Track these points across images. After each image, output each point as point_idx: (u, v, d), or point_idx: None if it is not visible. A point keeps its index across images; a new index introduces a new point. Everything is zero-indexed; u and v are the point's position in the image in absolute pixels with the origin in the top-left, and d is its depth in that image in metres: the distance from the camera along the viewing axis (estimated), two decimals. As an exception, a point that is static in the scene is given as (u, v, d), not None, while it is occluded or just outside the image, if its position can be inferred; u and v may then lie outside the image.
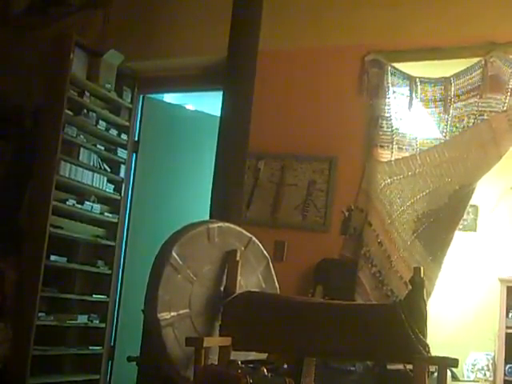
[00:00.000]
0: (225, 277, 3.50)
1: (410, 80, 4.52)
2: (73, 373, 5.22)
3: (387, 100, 4.55)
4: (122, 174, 5.57)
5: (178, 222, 3.60)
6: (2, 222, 5.30)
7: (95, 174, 5.33)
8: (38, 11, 5.91)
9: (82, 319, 5.20)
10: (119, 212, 5.55)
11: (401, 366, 3.35)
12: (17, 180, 5.41)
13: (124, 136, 5.58)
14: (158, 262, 3.30)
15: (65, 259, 5.09)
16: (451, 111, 4.39)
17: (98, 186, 5.35)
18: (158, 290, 3.20)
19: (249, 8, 4.41)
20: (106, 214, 5.45)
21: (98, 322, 5.33)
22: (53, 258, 4.93)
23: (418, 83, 4.50)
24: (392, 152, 4.50)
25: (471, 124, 4.31)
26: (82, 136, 5.21)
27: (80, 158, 5.18)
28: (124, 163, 5.59)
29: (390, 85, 4.56)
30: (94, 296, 5.33)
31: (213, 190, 4.23)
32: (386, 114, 4.55)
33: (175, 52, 5.45)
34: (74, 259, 5.22)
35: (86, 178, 5.24)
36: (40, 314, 4.80)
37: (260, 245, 3.72)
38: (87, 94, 5.22)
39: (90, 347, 5.27)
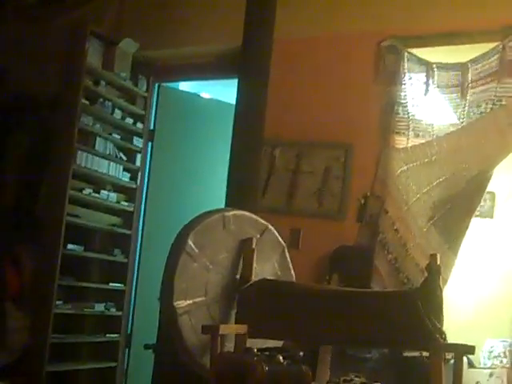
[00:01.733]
0: (240, 265, 3.51)
1: (427, 66, 4.48)
2: (90, 360, 5.26)
3: (403, 86, 4.51)
4: (137, 163, 5.58)
5: (194, 210, 3.60)
6: (19, 211, 5.34)
7: (111, 163, 5.34)
8: (53, 0, 5.92)
9: (99, 307, 5.24)
10: (135, 201, 5.57)
11: (417, 354, 3.35)
12: (34, 169, 5.44)
13: (139, 125, 5.59)
14: (173, 250, 3.30)
15: (81, 248, 5.12)
16: (468, 97, 4.34)
17: (114, 174, 5.36)
18: (174, 279, 3.21)
19: (264, -5, 4.39)
20: (122, 202, 5.47)
21: (114, 310, 5.36)
22: (70, 246, 4.96)
23: (435, 69, 4.45)
24: (408, 138, 4.47)
25: (488, 110, 4.25)
26: (97, 125, 5.22)
27: (96, 146, 5.19)
28: (140, 152, 5.60)
29: (406, 71, 4.52)
30: (110, 284, 5.35)
31: (228, 178, 4.23)
32: (402, 101, 4.51)
33: (190, 40, 5.44)
34: (90, 248, 5.24)
35: (102, 166, 5.26)
36: (57, 303, 4.83)
37: (276, 232, 3.72)
38: (103, 83, 5.23)
39: (107, 335, 5.31)
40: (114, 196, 5.38)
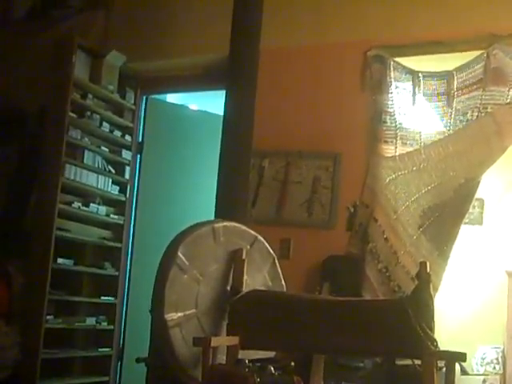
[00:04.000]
0: (231, 276, 3.51)
1: (413, 74, 4.51)
2: (82, 375, 5.22)
3: (390, 95, 4.54)
4: (126, 176, 5.57)
5: (184, 221, 3.60)
6: (8, 225, 5.32)
7: (100, 176, 5.32)
8: (40, 14, 5.93)
9: (91, 321, 5.21)
10: (125, 213, 5.55)
11: (409, 362, 3.35)
12: (22, 183, 5.42)
13: (128, 137, 5.58)
14: (164, 262, 3.30)
15: (72, 262, 5.10)
16: (454, 105, 4.37)
17: (103, 187, 5.35)
18: (165, 291, 3.21)
19: (249, 6, 4.41)
20: (111, 215, 5.45)
21: (106, 323, 5.33)
22: (60, 260, 4.94)
23: (421, 77, 4.49)
24: (396, 147, 4.49)
25: (475, 117, 4.29)
26: (86, 138, 5.21)
27: (84, 160, 5.18)
28: (128, 164, 5.59)
29: (392, 80, 4.55)
30: (101, 298, 5.33)
31: (218, 189, 4.24)
32: (390, 110, 4.54)
33: (177, 52, 5.45)
34: (80, 261, 5.22)
35: (91, 180, 5.24)
36: (48, 317, 4.80)
37: (266, 243, 3.72)
38: (90, 96, 5.22)
39: (99, 349, 5.28)
40: (103, 209, 5.37)
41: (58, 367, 5.01)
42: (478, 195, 4.25)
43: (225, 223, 3.57)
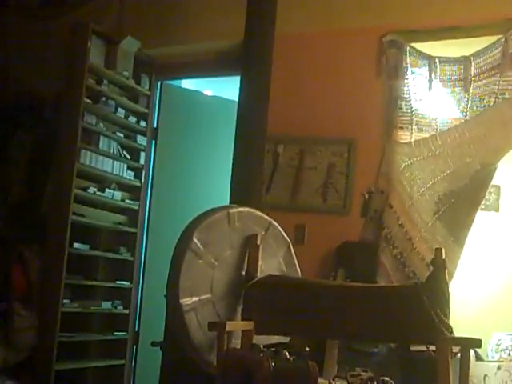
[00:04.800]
0: (246, 261, 3.52)
1: (429, 60, 4.47)
2: (98, 358, 5.28)
3: (406, 81, 4.51)
4: (141, 161, 5.58)
5: (199, 207, 3.61)
6: (25, 211, 5.36)
7: (115, 162, 5.34)
8: (54, 0, 5.93)
9: (106, 305, 5.25)
10: (140, 198, 5.58)
11: (424, 348, 3.35)
12: (38, 169, 5.45)
13: (143, 123, 5.59)
14: (179, 247, 3.32)
15: (87, 246, 5.13)
16: (471, 90, 4.34)
17: (118, 173, 5.37)
18: (180, 276, 3.22)
19: (265, -9, 4.39)
20: (126, 200, 5.47)
21: (121, 308, 5.37)
22: (76, 245, 4.97)
23: (438, 63, 4.45)
24: (412, 133, 4.47)
25: (492, 103, 4.26)
26: (101, 124, 5.22)
27: (100, 145, 5.20)
28: (144, 150, 5.60)
29: (408, 65, 4.52)
30: (117, 282, 5.37)
31: (232, 175, 4.24)
32: (405, 95, 4.51)
33: (192, 37, 5.44)
34: (96, 246, 5.26)
35: (107, 165, 5.26)
36: (65, 301, 4.85)
37: (280, 229, 3.73)
38: (105, 81, 5.23)
39: (115, 333, 5.33)
40: (118, 194, 5.39)
41: (74, 350, 5.07)
42: (494, 182, 4.22)
43: (240, 209, 3.58)
